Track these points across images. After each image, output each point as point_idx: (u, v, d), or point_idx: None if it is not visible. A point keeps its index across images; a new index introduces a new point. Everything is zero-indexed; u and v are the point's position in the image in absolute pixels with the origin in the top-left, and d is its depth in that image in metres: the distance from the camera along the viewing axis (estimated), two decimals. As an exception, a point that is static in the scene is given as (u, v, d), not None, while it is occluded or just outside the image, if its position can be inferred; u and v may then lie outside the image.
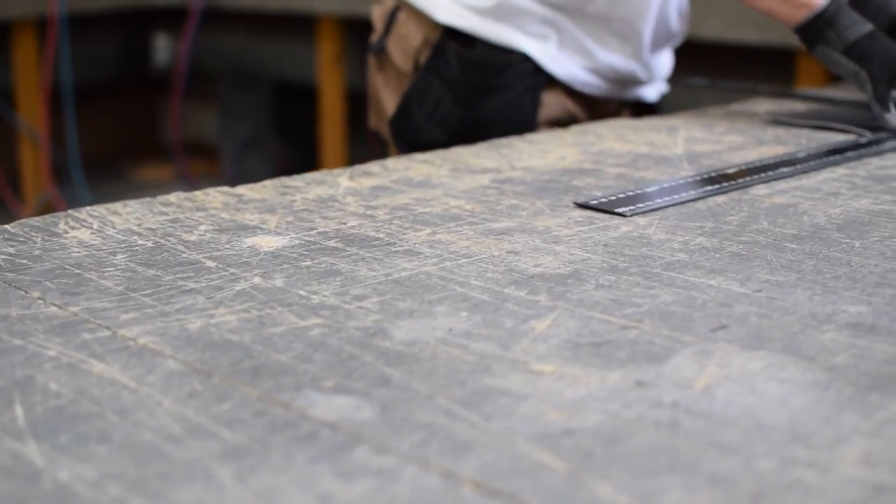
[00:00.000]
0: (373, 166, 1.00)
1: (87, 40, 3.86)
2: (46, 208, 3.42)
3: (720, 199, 0.89)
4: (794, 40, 1.26)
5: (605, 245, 0.77)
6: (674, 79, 1.44)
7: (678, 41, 1.38)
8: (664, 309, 0.64)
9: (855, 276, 0.70)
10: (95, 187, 3.74)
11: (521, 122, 1.25)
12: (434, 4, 1.28)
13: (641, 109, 1.40)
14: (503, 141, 1.10)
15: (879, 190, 0.92)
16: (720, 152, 1.06)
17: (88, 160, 3.85)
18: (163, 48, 4.13)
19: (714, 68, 2.89)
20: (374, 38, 1.36)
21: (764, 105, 1.37)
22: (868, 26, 1.16)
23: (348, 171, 0.98)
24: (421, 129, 1.28)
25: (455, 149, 1.07)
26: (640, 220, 0.83)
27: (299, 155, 3.78)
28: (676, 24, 1.34)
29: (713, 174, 0.96)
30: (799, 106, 1.35)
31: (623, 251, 0.75)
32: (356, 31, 3.38)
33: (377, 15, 1.36)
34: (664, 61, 1.38)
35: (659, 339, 0.60)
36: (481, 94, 1.26)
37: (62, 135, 3.60)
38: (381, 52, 1.34)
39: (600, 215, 0.84)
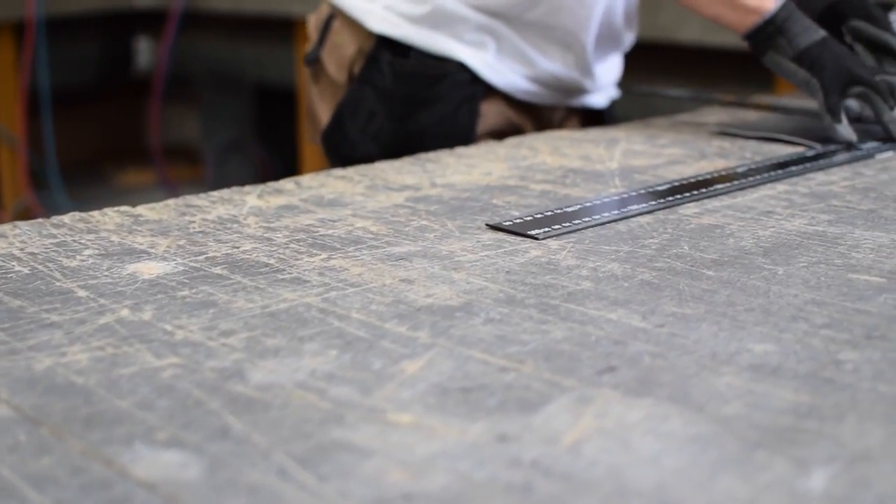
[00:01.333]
0: (286, 183, 0.94)
1: (69, 44, 3.82)
2: (24, 214, 3.38)
3: (644, 219, 0.83)
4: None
5: (507, 272, 0.71)
6: (623, 85, 1.38)
7: (627, 46, 1.32)
8: (552, 347, 0.59)
9: (770, 308, 0.65)
10: (77, 192, 3.70)
11: (459, 134, 1.19)
12: (367, 12, 1.23)
13: (590, 117, 1.35)
14: (431, 155, 1.05)
15: (817, 209, 0.86)
16: (657, 167, 1.01)
17: (72, 165, 3.81)
18: (145, 52, 4.09)
19: (693, 72, 2.84)
20: (309, 47, 1.30)
21: (716, 115, 1.31)
22: (821, 33, 1.11)
23: (259, 188, 0.93)
24: (354, 143, 1.22)
25: (379, 164, 1.01)
26: (553, 243, 0.77)
27: (280, 159, 3.73)
28: (624, 29, 1.29)
29: (643, 191, 0.90)
30: (752, 116, 1.29)
31: (525, 279, 0.70)
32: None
33: (312, 24, 1.31)
34: (612, 67, 1.32)
35: (537, 384, 0.54)
36: (416, 105, 1.20)
37: (42, 140, 3.56)
38: (315, 62, 1.28)
39: (512, 238, 0.78)
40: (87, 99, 4.08)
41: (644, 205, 0.86)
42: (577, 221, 0.81)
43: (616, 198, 0.88)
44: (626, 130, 1.18)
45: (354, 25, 1.24)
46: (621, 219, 0.83)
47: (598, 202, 0.87)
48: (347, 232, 0.81)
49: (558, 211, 0.84)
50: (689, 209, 0.86)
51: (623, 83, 1.39)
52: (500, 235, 0.79)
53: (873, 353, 0.58)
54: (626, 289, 0.68)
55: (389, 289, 0.68)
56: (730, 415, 0.51)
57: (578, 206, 0.85)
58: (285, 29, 3.40)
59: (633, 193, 0.90)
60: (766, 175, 0.96)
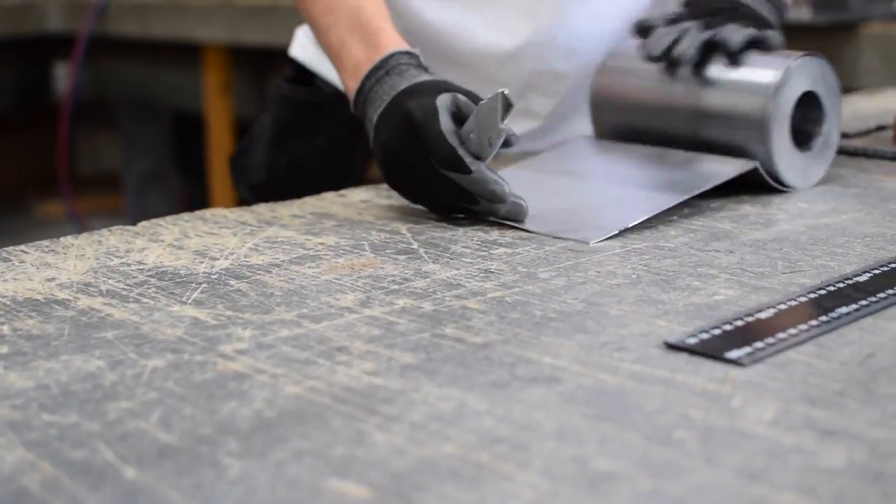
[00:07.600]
0: None
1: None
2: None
3: (158, 362, 0.61)
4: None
5: None
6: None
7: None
8: None
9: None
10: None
11: (341, 171, 1.08)
12: (295, 36, 1.15)
13: None
14: (147, 224, 0.86)
15: (412, 342, 0.62)
16: (275, 267, 0.76)
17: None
18: (63, 77, 3.92)
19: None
20: None
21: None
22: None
23: None
24: (258, 169, 1.12)
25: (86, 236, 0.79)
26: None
27: (198, 188, 3.52)
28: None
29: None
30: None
31: None
32: (243, 60, 3.13)
33: None
34: None
35: None
36: (292, 134, 1.10)
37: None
38: None
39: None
40: (7, 127, 3.91)
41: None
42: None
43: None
44: (301, 207, 0.93)
45: None
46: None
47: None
48: None
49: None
50: (241, 343, 0.63)
51: None
52: None
53: None
54: (-30, 510, 0.46)
55: None
56: None
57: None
58: (192, 54, 3.20)
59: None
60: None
